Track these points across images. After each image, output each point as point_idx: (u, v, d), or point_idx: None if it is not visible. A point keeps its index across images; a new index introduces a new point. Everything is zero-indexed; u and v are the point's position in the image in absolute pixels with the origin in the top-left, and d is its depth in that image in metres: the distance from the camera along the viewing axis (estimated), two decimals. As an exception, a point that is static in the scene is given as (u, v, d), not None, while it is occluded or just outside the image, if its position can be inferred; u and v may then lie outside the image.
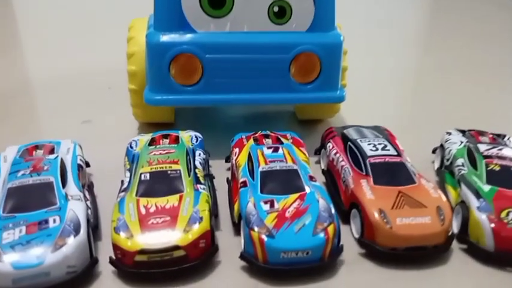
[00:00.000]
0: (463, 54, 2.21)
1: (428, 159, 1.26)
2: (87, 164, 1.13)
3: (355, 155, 1.06)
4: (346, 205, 1.01)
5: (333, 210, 0.90)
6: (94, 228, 0.93)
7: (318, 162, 1.25)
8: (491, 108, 1.65)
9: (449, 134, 1.22)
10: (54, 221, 0.84)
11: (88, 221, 0.90)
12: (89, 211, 0.94)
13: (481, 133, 1.19)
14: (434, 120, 1.52)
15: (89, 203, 0.97)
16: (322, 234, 0.85)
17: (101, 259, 0.88)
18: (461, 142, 1.15)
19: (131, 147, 1.11)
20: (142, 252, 0.82)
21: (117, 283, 0.85)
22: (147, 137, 1.14)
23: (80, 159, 1.07)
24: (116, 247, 0.84)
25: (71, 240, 0.81)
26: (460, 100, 1.70)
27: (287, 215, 0.88)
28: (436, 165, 1.22)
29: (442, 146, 1.21)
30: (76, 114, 1.50)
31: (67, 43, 2.22)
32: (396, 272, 0.89)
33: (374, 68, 1.98)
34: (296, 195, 0.93)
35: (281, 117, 1.51)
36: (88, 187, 1.05)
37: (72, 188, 0.95)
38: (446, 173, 1.12)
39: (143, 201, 0.90)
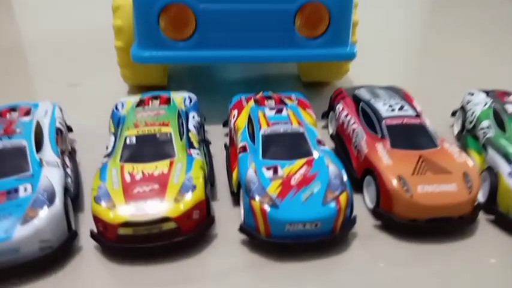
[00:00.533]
0: (477, 11, 2.07)
1: (447, 123, 1.16)
2: (69, 129, 1.04)
3: (369, 117, 0.96)
4: (358, 172, 0.91)
5: (345, 177, 0.80)
6: (74, 198, 0.84)
7: (326, 127, 1.14)
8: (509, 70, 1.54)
9: (472, 94, 1.11)
10: (25, 189, 0.75)
11: (67, 190, 0.80)
12: (69, 179, 0.85)
13: (507, 93, 1.08)
14: (451, 81, 1.42)
15: (69, 170, 0.88)
16: (333, 204, 0.75)
17: (82, 233, 0.79)
18: (486, 103, 1.04)
19: (117, 109, 1.02)
20: (126, 224, 0.72)
21: (100, 259, 0.76)
22: (135, 98, 1.04)
23: (60, 123, 0.97)
24: (96, 219, 0.75)
25: (44, 212, 0.72)
26: (476, 59, 1.59)
27: (293, 182, 0.78)
28: (456, 129, 1.12)
29: (463, 108, 1.10)
30: (63, 77, 1.40)
31: (58, 4, 2.12)
32: (416, 246, 0.80)
33: (384, 23, 1.84)
34: (303, 160, 0.83)
35: (284, 80, 1.40)
36: (69, 154, 0.96)
37: (49, 153, 0.85)
38: (468, 136, 1.02)
39: (128, 167, 0.80)
